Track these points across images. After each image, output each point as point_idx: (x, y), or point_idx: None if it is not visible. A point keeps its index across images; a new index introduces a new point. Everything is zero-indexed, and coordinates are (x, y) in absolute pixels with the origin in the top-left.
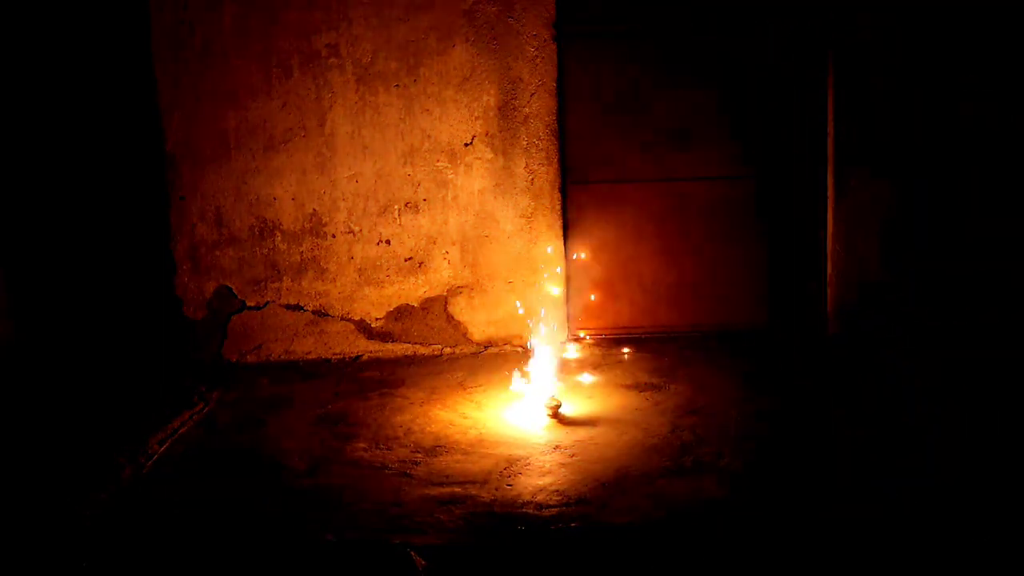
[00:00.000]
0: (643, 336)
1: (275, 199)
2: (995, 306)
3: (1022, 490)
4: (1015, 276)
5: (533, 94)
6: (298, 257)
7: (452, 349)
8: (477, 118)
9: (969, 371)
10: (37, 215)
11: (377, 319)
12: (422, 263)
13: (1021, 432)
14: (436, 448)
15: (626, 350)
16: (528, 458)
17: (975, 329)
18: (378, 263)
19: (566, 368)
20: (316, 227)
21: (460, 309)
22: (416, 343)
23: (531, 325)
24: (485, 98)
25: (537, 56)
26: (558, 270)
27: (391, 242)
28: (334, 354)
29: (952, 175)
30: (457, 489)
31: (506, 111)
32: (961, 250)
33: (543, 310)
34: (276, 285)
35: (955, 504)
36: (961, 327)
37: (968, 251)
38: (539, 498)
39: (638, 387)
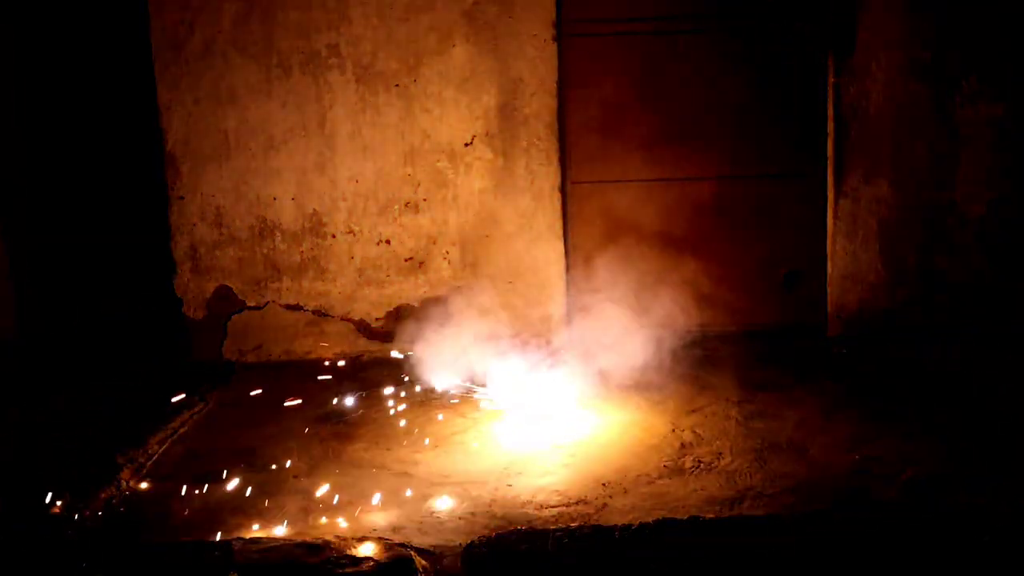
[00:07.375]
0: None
1: (275, 199)
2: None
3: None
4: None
5: (533, 94)
6: (298, 257)
7: (452, 349)
8: (477, 118)
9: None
10: (41, 216)
11: (377, 319)
12: (422, 263)
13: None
14: (436, 448)
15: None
16: (528, 458)
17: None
18: (378, 263)
19: (567, 368)
20: (316, 227)
21: (460, 309)
22: (416, 343)
23: (532, 325)
24: (485, 98)
25: (537, 56)
26: (559, 270)
27: (391, 242)
28: (334, 354)
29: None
30: (457, 489)
31: (506, 111)
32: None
33: (543, 310)
34: (276, 285)
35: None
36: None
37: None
38: (539, 498)
39: (638, 387)
